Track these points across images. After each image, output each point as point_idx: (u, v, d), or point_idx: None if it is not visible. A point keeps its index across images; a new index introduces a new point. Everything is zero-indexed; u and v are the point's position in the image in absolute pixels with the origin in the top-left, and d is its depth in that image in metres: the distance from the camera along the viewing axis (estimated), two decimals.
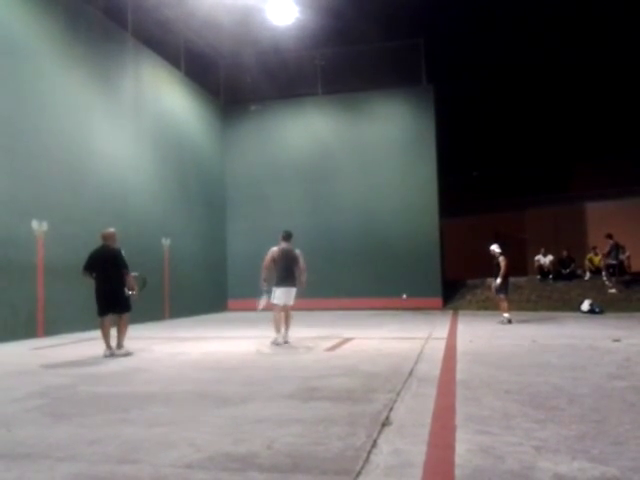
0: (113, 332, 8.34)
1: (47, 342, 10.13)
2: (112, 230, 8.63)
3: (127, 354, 8.17)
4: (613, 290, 16.77)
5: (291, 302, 9.43)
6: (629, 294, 16.55)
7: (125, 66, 14.88)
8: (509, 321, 12.38)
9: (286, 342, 9.16)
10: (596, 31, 19.32)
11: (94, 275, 8.27)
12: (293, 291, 9.45)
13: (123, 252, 8.40)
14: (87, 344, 9.86)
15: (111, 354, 8.06)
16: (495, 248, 12.79)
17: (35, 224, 11.25)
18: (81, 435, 3.85)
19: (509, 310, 12.82)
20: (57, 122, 12.18)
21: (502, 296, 12.71)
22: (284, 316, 9.35)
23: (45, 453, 3.48)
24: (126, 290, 8.26)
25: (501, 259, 12.54)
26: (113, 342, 8.23)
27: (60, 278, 11.69)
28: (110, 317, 8.33)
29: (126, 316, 8.40)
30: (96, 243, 12.81)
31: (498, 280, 12.47)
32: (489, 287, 13.60)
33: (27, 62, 11.50)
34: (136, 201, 14.79)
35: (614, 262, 17.46)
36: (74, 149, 12.66)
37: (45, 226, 11.47)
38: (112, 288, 8.20)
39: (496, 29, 19.66)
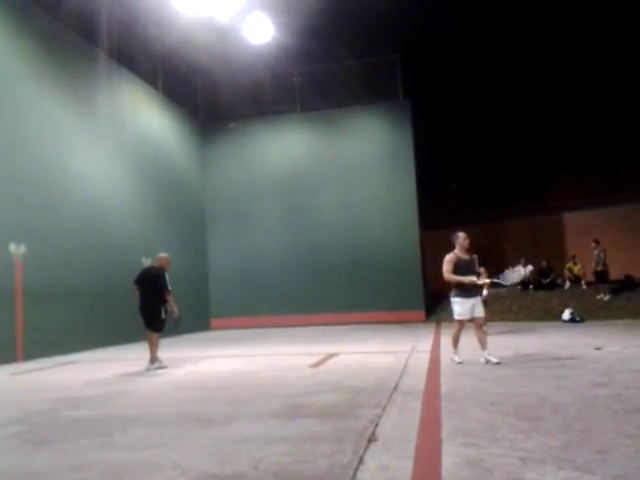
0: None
1: (27, 366, 9.95)
2: (162, 255, 9.26)
3: (160, 367, 8.65)
4: (607, 297, 16.88)
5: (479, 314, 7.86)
6: (609, 302, 16.75)
7: (102, 86, 14.80)
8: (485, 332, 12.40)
9: (489, 362, 7.58)
10: (571, 47, 19.72)
11: (139, 291, 8.92)
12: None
13: (167, 275, 8.85)
14: (67, 368, 9.71)
15: (159, 366, 8.68)
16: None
17: (13, 247, 11.09)
18: (63, 461, 3.78)
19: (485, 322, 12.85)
20: (34, 144, 12.06)
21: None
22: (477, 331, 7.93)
23: None
24: (163, 312, 8.73)
25: (482, 270, 12.62)
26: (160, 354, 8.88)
27: (39, 301, 11.52)
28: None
29: (155, 335, 8.80)
30: (75, 264, 12.82)
31: (485, 292, 12.55)
32: None
33: (3, 85, 11.39)
34: (116, 221, 14.68)
35: (603, 268, 17.49)
36: (52, 171, 12.54)
37: (23, 249, 11.31)
38: (146, 306, 8.81)
39: (471, 42, 19.99)
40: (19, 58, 11.99)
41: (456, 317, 7.84)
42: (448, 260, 7.73)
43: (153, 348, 8.73)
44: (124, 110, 15.86)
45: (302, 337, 14.40)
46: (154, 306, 8.71)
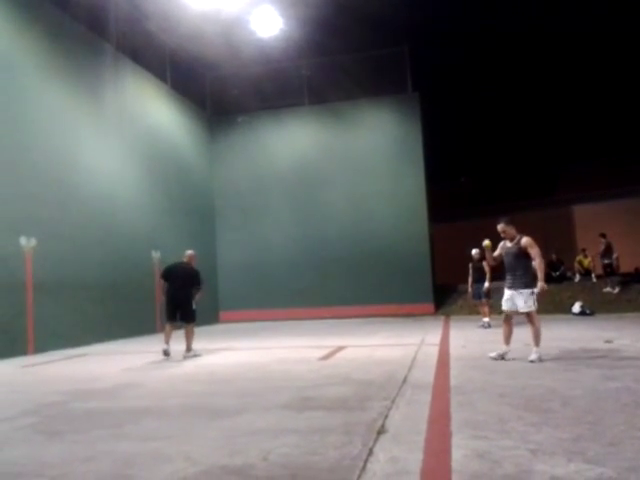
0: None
1: (37, 359, 10.03)
2: (192, 252, 10.20)
3: (196, 355, 9.33)
4: (616, 289, 16.80)
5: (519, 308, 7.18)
6: (619, 295, 16.67)
7: (111, 80, 14.82)
8: (489, 325, 12.42)
9: (534, 360, 6.88)
10: (582, 38, 19.55)
11: (167, 284, 9.49)
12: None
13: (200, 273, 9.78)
14: (78, 360, 9.77)
15: (167, 352, 9.04)
16: (475, 253, 12.85)
17: (23, 240, 11.17)
18: (74, 452, 3.81)
19: (490, 315, 12.84)
20: (43, 138, 12.10)
21: (485, 300, 12.79)
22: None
23: (38, 472, 3.44)
24: (194, 304, 9.51)
25: (484, 264, 12.58)
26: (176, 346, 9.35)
27: (49, 294, 11.59)
28: (172, 324, 9.39)
29: (191, 325, 9.52)
30: (85, 258, 12.88)
31: (486, 284, 12.52)
32: (467, 292, 13.74)
33: (11, 77, 11.42)
34: (124, 215, 14.72)
35: (609, 262, 17.45)
36: (61, 164, 12.59)
37: (33, 242, 11.38)
38: (183, 299, 9.42)
39: (480, 34, 19.85)
40: (27, 51, 12.01)
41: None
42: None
43: (191, 339, 9.43)
44: (132, 103, 15.88)
45: (311, 330, 14.42)
46: (187, 299, 9.41)
